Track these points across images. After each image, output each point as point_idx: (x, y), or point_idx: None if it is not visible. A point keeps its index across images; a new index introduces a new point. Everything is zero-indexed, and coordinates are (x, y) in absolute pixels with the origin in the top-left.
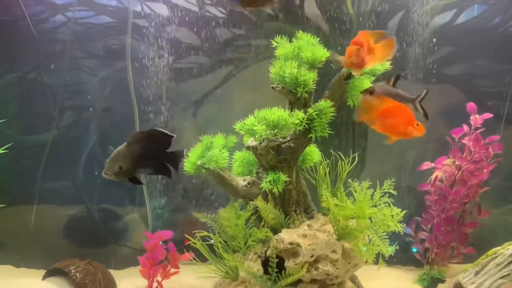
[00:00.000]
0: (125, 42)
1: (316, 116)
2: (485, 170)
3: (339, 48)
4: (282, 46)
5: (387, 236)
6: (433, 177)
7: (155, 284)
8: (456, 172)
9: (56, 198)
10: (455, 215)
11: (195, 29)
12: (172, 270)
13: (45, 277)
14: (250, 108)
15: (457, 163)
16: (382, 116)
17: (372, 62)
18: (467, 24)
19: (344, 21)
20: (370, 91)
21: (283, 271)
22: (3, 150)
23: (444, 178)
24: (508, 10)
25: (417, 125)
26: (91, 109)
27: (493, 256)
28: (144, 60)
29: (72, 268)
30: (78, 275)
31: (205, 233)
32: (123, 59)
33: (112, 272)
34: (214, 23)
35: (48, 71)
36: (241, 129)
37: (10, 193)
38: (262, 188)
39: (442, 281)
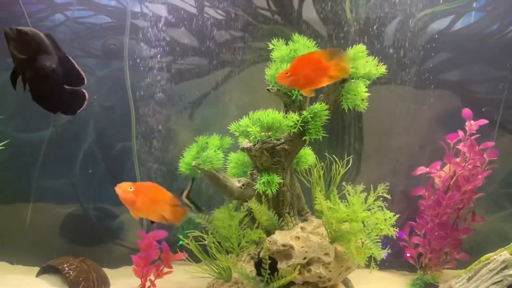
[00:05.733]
0: (123, 42)
1: (310, 119)
2: (479, 176)
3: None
4: (278, 48)
5: (379, 240)
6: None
7: (148, 283)
8: (450, 178)
9: (52, 196)
10: (449, 221)
11: (193, 31)
12: (165, 269)
13: (38, 274)
14: (247, 110)
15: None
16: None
17: (326, 81)
18: (464, 31)
19: (341, 26)
20: None
21: (276, 273)
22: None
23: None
24: (505, 17)
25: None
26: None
27: (486, 262)
28: (141, 61)
29: (65, 265)
30: (71, 273)
31: (199, 233)
32: (121, 59)
33: (106, 270)
34: (212, 25)
35: None
36: (235, 130)
37: (6, 190)
38: (256, 189)
39: (435, 286)
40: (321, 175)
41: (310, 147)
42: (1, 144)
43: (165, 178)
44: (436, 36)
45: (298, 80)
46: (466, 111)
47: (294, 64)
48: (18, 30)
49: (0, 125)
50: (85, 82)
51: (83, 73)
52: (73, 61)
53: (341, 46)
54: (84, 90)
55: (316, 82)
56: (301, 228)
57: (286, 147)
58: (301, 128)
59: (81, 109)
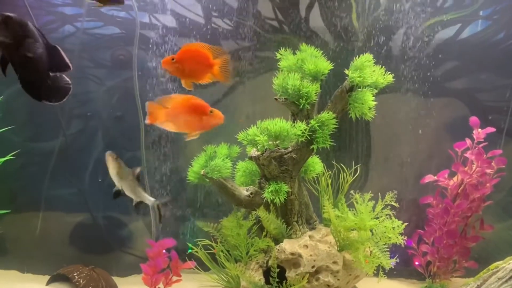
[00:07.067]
0: (132, 52)
1: (318, 128)
2: (488, 184)
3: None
4: (285, 58)
5: (388, 249)
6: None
7: None
8: (458, 186)
9: (62, 205)
10: (457, 229)
11: (201, 41)
12: (174, 278)
13: (49, 282)
14: (255, 119)
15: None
16: (173, 114)
17: (209, 78)
18: (471, 39)
19: (348, 35)
20: None
21: (284, 281)
22: (10, 156)
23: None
24: (511, 26)
25: (211, 111)
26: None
27: (495, 270)
28: (150, 70)
29: (75, 274)
30: (81, 281)
31: (208, 242)
32: (130, 69)
33: (115, 279)
34: (220, 35)
35: None
36: (243, 139)
37: (17, 199)
38: (264, 198)
39: None
40: (329, 184)
41: (318, 155)
42: (12, 154)
43: (174, 187)
44: (443, 44)
45: (182, 70)
46: (474, 119)
47: (181, 53)
48: (1, 15)
49: (11, 134)
50: (71, 68)
51: (68, 60)
52: (59, 48)
53: (348, 55)
54: (67, 78)
55: (199, 76)
56: (309, 236)
57: (294, 155)
58: (308, 137)
59: (66, 97)
